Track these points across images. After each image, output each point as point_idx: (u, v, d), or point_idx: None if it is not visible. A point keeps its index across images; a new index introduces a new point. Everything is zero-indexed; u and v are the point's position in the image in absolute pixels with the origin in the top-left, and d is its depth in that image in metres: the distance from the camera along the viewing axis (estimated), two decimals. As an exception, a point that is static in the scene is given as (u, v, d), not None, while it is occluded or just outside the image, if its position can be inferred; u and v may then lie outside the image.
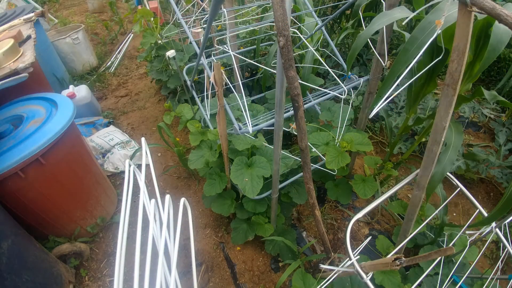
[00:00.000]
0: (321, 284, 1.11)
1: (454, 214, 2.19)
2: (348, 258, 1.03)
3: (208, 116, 1.88)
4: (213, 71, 1.22)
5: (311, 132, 1.70)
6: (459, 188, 1.29)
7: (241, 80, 1.72)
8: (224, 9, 1.77)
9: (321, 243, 1.93)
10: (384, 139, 2.76)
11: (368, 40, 1.22)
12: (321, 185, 2.23)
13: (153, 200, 1.02)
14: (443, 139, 0.92)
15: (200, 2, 2.27)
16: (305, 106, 1.41)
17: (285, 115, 1.33)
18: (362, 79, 1.70)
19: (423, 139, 1.66)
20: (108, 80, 3.98)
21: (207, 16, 2.03)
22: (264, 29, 2.50)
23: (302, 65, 1.85)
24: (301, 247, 1.89)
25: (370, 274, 0.94)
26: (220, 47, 1.81)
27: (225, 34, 2.20)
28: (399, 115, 2.66)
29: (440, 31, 0.82)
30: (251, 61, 1.75)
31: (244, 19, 2.82)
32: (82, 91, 2.93)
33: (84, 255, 1.87)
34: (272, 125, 1.21)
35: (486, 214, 1.21)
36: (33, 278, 1.41)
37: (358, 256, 1.00)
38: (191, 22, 2.24)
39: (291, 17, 1.14)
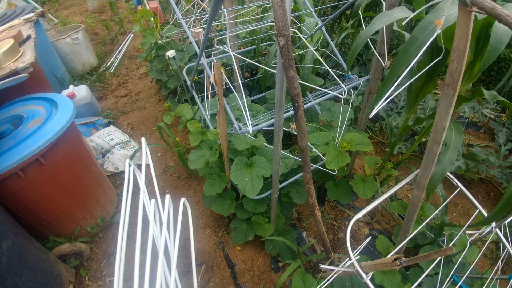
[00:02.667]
0: (321, 284, 1.11)
1: (454, 214, 2.19)
2: (348, 258, 1.03)
3: (208, 116, 1.88)
4: (213, 71, 1.22)
5: (311, 132, 1.70)
6: (459, 188, 1.29)
7: (241, 80, 1.72)
8: (224, 9, 1.77)
9: (321, 243, 1.93)
10: (384, 139, 2.76)
11: (368, 40, 1.22)
12: (321, 185, 2.23)
13: (153, 200, 1.02)
14: (443, 139, 0.92)
15: (200, 2, 2.27)
16: (305, 106, 1.41)
17: (285, 115, 1.33)
18: (362, 79, 1.70)
19: (423, 139, 1.66)
20: (108, 80, 3.98)
21: (207, 16, 2.03)
22: (264, 29, 2.50)
23: (302, 65, 1.85)
24: (301, 247, 1.89)
25: (370, 274, 0.94)
26: (220, 47, 1.81)
27: (225, 34, 2.20)
28: (399, 115, 2.66)
29: (440, 31, 0.82)
30: (251, 61, 1.75)
31: (244, 19, 2.82)
32: (82, 91, 2.93)
33: (84, 255, 1.87)
34: (272, 125, 1.21)
35: (486, 214, 1.21)
36: (33, 278, 1.41)
37: (358, 256, 1.00)
38: (191, 22, 2.24)
39: (291, 17, 1.14)
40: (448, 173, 1.21)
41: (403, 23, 0.97)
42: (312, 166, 1.69)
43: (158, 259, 0.86)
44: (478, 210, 1.25)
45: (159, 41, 2.79)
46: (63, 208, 1.78)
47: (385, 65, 1.53)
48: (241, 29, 2.33)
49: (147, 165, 1.26)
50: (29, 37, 2.32)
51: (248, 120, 1.38)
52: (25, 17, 2.73)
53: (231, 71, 2.74)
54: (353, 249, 1.01)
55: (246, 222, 1.87)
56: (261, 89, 2.55)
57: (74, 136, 1.78)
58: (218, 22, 2.17)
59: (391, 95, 0.94)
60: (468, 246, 1.33)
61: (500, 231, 1.14)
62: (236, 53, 1.99)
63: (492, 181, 2.36)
